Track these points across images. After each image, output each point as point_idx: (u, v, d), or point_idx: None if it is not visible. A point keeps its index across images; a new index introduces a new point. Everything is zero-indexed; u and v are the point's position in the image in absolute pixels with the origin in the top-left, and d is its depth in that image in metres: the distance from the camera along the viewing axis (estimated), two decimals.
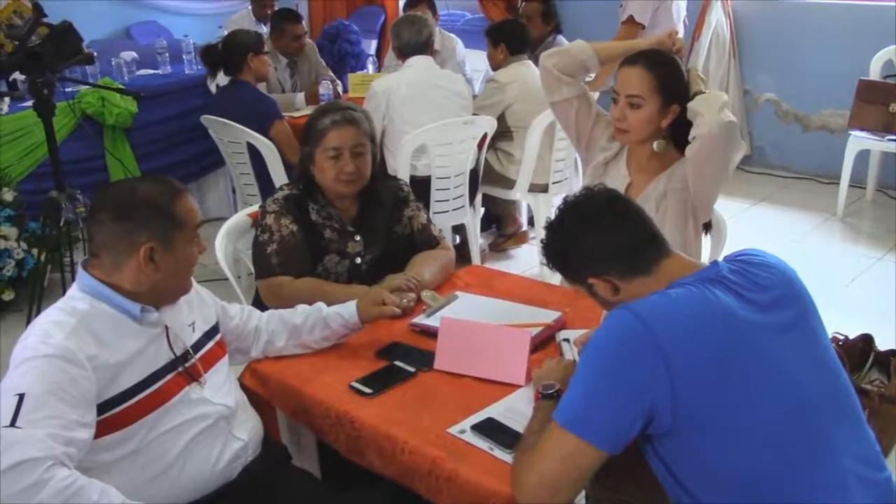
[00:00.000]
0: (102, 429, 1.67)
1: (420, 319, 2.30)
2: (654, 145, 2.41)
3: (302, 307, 2.22)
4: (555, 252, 1.74)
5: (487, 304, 2.39)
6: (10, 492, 1.43)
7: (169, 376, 1.81)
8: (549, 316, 2.25)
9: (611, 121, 2.48)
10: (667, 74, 2.36)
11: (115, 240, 1.75)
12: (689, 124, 2.31)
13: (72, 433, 1.55)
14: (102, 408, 1.67)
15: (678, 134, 2.40)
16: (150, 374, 1.77)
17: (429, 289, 2.46)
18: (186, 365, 1.86)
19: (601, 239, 1.66)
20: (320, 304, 2.22)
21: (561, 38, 5.21)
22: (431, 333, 2.17)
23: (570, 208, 1.73)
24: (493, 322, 2.15)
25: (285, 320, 2.17)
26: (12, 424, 1.50)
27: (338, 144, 2.45)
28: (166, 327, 1.84)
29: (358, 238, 2.54)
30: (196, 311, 1.96)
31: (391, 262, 2.56)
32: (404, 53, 4.11)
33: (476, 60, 5.51)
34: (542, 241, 1.78)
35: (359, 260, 2.54)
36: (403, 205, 2.66)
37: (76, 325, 1.69)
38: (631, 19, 4.58)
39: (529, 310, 2.32)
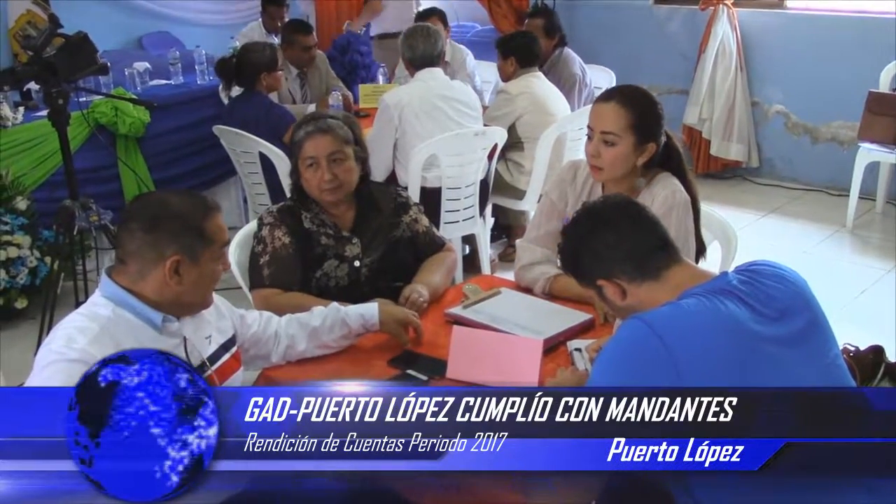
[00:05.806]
0: None
1: (455, 310, 2.33)
2: (636, 184, 2.37)
3: (318, 308, 2.24)
4: (568, 253, 1.77)
5: (525, 301, 2.43)
6: None
7: None
8: (580, 317, 2.31)
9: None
10: (642, 112, 2.31)
11: (143, 249, 1.77)
12: (674, 154, 2.35)
13: None
14: None
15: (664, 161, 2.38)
16: None
17: (426, 290, 2.48)
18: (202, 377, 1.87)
19: (611, 241, 1.68)
20: (336, 304, 2.25)
21: (568, 50, 5.20)
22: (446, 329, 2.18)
23: (585, 212, 1.78)
24: (526, 318, 2.21)
25: (304, 323, 2.19)
26: None
27: (313, 154, 2.47)
28: (185, 338, 1.86)
29: (355, 241, 2.56)
30: (213, 323, 1.98)
31: (392, 267, 2.59)
32: (417, 66, 4.08)
33: (486, 72, 5.52)
34: (557, 244, 1.81)
35: (357, 263, 2.55)
36: (402, 210, 2.68)
37: (99, 332, 1.70)
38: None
39: (562, 310, 2.37)
